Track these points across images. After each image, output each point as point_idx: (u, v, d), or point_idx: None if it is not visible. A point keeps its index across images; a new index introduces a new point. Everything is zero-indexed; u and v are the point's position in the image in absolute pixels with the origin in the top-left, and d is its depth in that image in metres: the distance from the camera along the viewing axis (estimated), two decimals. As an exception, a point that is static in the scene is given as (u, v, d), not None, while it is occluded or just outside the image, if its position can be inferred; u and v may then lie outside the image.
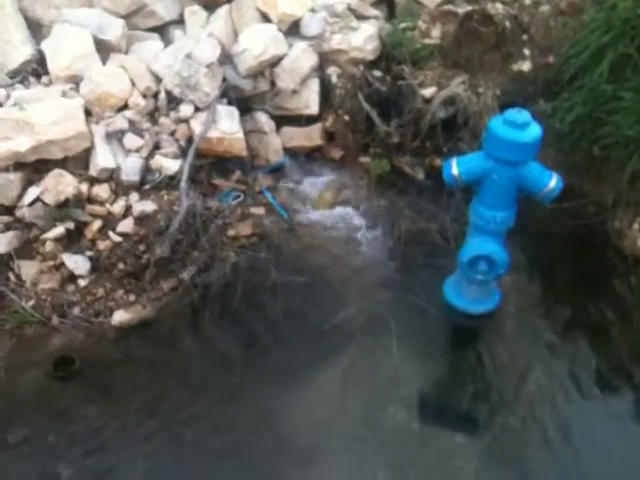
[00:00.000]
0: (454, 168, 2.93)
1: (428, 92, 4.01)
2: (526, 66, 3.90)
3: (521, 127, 2.74)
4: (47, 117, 3.54)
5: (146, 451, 2.85)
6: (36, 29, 4.16)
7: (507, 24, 3.83)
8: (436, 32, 4.06)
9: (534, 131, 2.76)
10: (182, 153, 3.77)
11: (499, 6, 3.88)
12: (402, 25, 4.19)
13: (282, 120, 4.18)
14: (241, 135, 3.85)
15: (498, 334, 3.31)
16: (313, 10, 4.18)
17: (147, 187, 3.67)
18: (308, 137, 4.18)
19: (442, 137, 4.02)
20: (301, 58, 4.07)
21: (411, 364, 3.16)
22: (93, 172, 3.59)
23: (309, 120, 4.18)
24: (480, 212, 3.02)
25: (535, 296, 3.47)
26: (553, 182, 2.84)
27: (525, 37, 3.91)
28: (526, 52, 3.90)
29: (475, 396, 3.08)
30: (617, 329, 3.27)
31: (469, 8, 3.92)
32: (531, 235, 3.61)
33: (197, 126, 3.81)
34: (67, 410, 3.03)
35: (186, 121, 3.85)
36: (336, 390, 3.07)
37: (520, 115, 2.75)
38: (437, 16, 4.08)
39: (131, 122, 3.75)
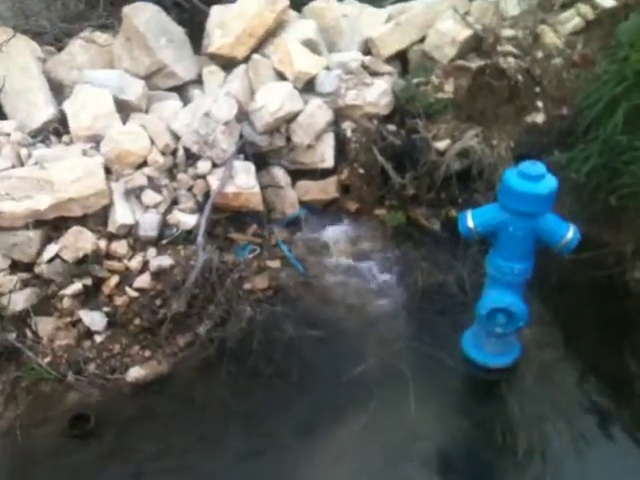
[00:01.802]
0: (469, 220, 2.92)
1: (442, 145, 4.05)
2: (540, 118, 3.93)
3: (536, 179, 2.74)
4: (67, 175, 3.62)
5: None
6: (58, 90, 4.31)
7: (519, 77, 3.89)
8: (449, 86, 4.12)
9: (549, 183, 2.76)
10: (199, 208, 3.82)
11: (511, 60, 3.93)
12: (415, 80, 4.26)
13: (298, 174, 4.23)
14: (257, 190, 3.90)
15: (519, 388, 3.22)
16: (328, 68, 4.27)
17: (164, 242, 3.71)
18: (324, 190, 4.22)
19: (457, 189, 4.04)
20: (316, 114, 4.14)
21: (429, 419, 3.08)
22: (112, 228, 3.64)
23: (325, 173, 4.22)
24: (497, 264, 2.99)
25: (556, 349, 3.40)
26: (570, 233, 2.81)
27: (538, 89, 3.95)
28: (539, 104, 3.94)
29: (495, 452, 2.99)
30: (641, 383, 3.19)
31: (481, 63, 3.99)
32: (551, 286, 3.55)
33: (214, 181, 3.86)
34: (82, 469, 2.98)
35: (203, 177, 3.91)
36: (355, 447, 2.99)
37: (535, 167, 2.75)
38: (450, 71, 4.15)
39: (150, 179, 3.82)
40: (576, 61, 3.96)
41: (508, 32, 4.09)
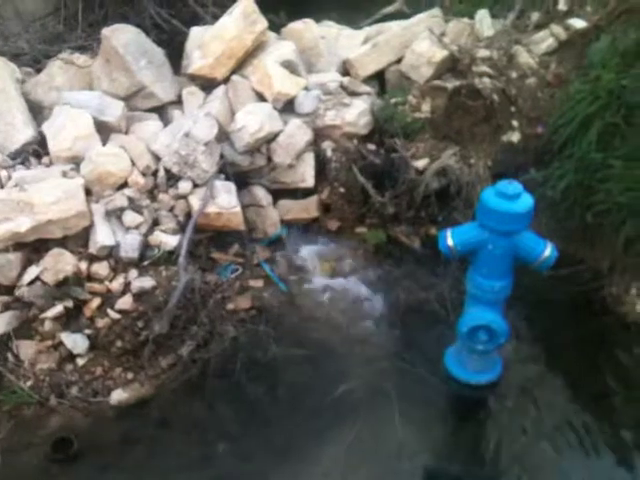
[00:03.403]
0: (449, 239, 2.97)
1: (421, 164, 4.11)
2: (515, 137, 4.01)
3: (513, 198, 2.80)
4: (47, 197, 3.58)
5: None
6: (37, 111, 4.30)
7: (495, 97, 3.96)
8: (426, 106, 4.19)
9: (526, 201, 2.82)
10: (181, 228, 3.81)
11: (486, 80, 4.01)
12: (393, 100, 4.33)
13: (279, 193, 4.25)
14: (239, 209, 3.91)
15: (501, 405, 3.26)
16: (307, 88, 4.32)
17: (146, 263, 3.69)
18: (305, 209, 4.25)
19: (436, 207, 4.10)
20: (296, 134, 4.17)
21: (414, 437, 3.09)
22: (92, 250, 3.62)
23: (305, 193, 4.26)
24: (477, 282, 3.04)
25: (536, 365, 3.43)
26: (548, 251, 2.87)
27: (513, 109, 4.03)
28: (515, 123, 4.02)
29: (478, 469, 3.01)
30: (620, 398, 3.24)
31: (457, 83, 4.06)
32: (529, 303, 3.59)
33: (196, 202, 3.87)
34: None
35: (185, 197, 3.91)
36: (340, 466, 3.00)
37: (511, 186, 2.81)
38: (426, 91, 4.22)
39: (131, 199, 3.81)
40: (550, 81, 4.05)
41: (483, 53, 4.17)
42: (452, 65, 4.29)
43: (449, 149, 4.07)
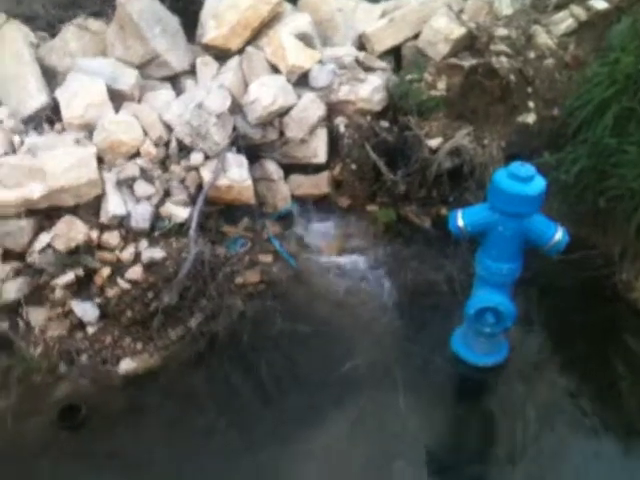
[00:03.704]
0: (459, 220, 2.96)
1: (434, 142, 4.07)
2: (531, 118, 3.96)
3: (525, 180, 2.78)
4: (60, 164, 3.60)
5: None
6: (51, 76, 4.27)
7: (512, 77, 3.91)
8: (442, 84, 4.14)
9: (538, 184, 2.80)
10: (192, 200, 3.82)
11: (503, 60, 3.96)
12: (408, 77, 4.28)
13: (290, 168, 4.24)
14: (250, 183, 3.91)
15: (506, 387, 3.29)
16: (321, 62, 4.27)
17: (156, 234, 3.71)
18: (316, 185, 4.24)
19: (448, 187, 4.08)
20: (309, 108, 4.14)
21: (417, 417, 3.13)
22: (104, 219, 3.64)
23: (317, 169, 4.25)
24: (486, 264, 3.04)
25: (544, 349, 3.46)
26: (558, 235, 2.86)
27: (530, 90, 3.98)
28: (531, 105, 3.97)
29: (482, 450, 3.05)
30: (628, 384, 3.25)
31: (474, 62, 4.01)
32: (539, 287, 3.61)
33: (207, 174, 3.87)
34: (71, 460, 3.02)
35: (196, 169, 3.91)
36: (342, 444, 3.04)
37: (524, 169, 2.79)
38: (443, 68, 4.17)
39: (142, 170, 3.81)
40: (568, 62, 3.99)
41: (501, 31, 4.11)
42: (469, 43, 4.24)
43: (463, 129, 4.03)
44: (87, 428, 3.13)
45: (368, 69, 4.41)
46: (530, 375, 3.32)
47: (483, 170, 3.98)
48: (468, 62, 4.04)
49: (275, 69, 4.27)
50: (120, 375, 3.35)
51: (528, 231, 2.88)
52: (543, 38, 4.05)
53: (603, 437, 3.04)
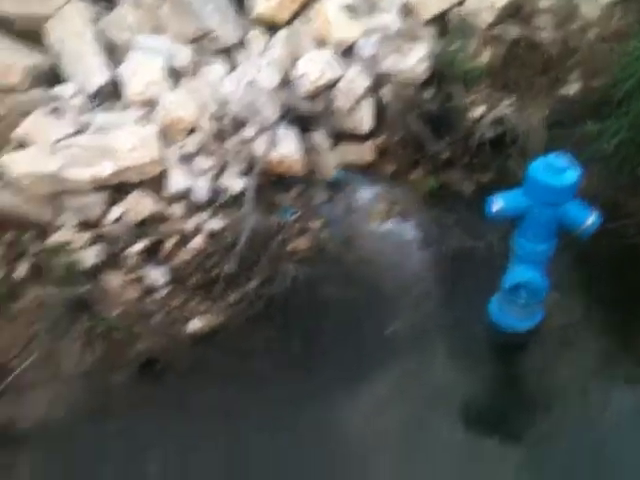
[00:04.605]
0: (495, 204, 3.15)
1: (477, 112, 4.21)
2: (573, 90, 4.05)
3: (560, 171, 2.94)
4: (124, 144, 3.91)
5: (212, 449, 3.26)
6: (111, 50, 4.52)
7: (554, 50, 3.98)
8: (486, 54, 4.23)
9: (572, 175, 2.95)
10: (246, 173, 4.11)
11: (546, 32, 4.01)
12: (453, 46, 4.37)
13: (338, 138, 4.45)
14: (299, 157, 4.15)
15: (541, 351, 3.53)
16: (367, 33, 4.40)
17: (215, 206, 4.03)
18: (362, 154, 4.45)
19: (490, 155, 4.23)
20: (356, 80, 4.31)
21: (456, 376, 3.45)
22: (168, 193, 3.97)
23: (363, 138, 4.44)
24: (521, 243, 3.25)
25: (578, 315, 3.65)
26: (591, 220, 3.01)
27: (572, 61, 4.04)
28: (573, 76, 4.04)
29: (517, 409, 3.35)
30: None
31: (517, 33, 4.07)
32: (575, 254, 3.75)
33: (259, 147, 4.12)
34: (150, 409, 3.45)
35: (249, 143, 4.17)
36: (385, 400, 3.39)
37: (559, 160, 2.95)
38: (487, 38, 4.24)
39: (200, 145, 4.10)
40: (612, 34, 4.02)
41: (545, 2, 4.13)
42: (514, 12, 4.27)
43: (506, 99, 4.15)
44: (163, 380, 3.55)
45: (413, 38, 4.50)
46: (565, 340, 3.54)
47: (525, 139, 4.12)
48: (511, 33, 4.10)
49: (322, 42, 4.42)
50: (188, 334, 3.72)
51: (562, 217, 3.05)
52: (587, 9, 4.07)
53: (634, 400, 3.25)
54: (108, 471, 3.21)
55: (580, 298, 3.76)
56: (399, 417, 3.34)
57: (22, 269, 3.77)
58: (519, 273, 3.30)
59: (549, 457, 3.12)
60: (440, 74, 4.37)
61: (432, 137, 4.29)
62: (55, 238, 3.85)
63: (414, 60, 4.36)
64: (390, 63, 4.37)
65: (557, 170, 2.93)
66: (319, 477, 3.19)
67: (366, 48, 4.36)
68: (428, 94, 4.37)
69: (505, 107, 4.13)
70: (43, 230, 3.90)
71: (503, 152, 4.22)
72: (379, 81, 4.40)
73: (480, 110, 4.20)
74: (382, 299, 3.84)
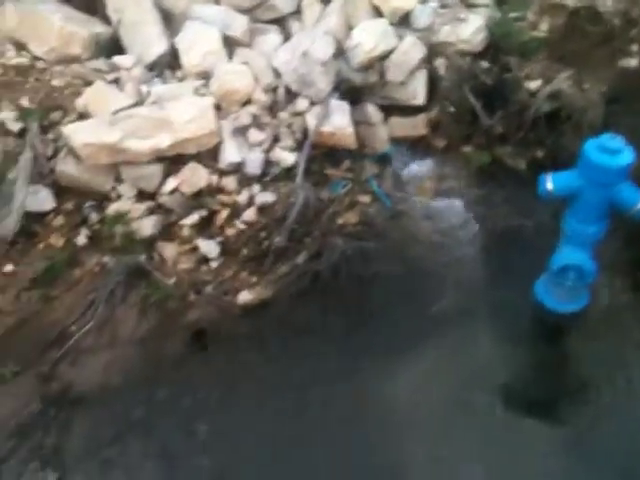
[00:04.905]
0: (549, 183, 3.14)
1: (533, 85, 4.12)
2: (634, 62, 3.90)
3: (614, 153, 2.90)
4: (183, 115, 3.99)
5: (260, 412, 3.39)
6: (168, 19, 4.59)
7: (616, 20, 3.83)
8: (545, 24, 4.12)
9: (626, 157, 2.91)
10: (298, 146, 4.15)
11: (608, 2, 3.85)
12: (511, 15, 4.25)
13: (390, 110, 4.43)
14: (351, 130, 4.17)
15: (586, 332, 3.54)
16: (423, 1, 4.32)
17: (267, 179, 4.11)
18: (414, 127, 4.42)
19: (545, 130, 4.14)
20: (410, 51, 4.27)
21: (499, 355, 3.49)
22: (222, 165, 4.06)
23: (415, 110, 4.42)
24: (572, 224, 3.23)
25: (625, 298, 3.63)
26: (642, 203, 2.99)
27: (634, 33, 3.88)
28: (634, 48, 3.89)
29: (559, 387, 3.39)
30: None
31: (577, 2, 3.93)
32: (624, 236, 3.70)
33: (312, 120, 4.15)
34: (201, 376, 3.59)
35: (302, 115, 4.20)
36: (429, 375, 3.47)
37: (614, 141, 2.90)
38: (546, 8, 4.12)
39: (254, 117, 4.16)
40: (679, 4, 3.84)
41: (610, -30, 3.96)
42: (576, -20, 4.12)
43: (564, 72, 4.04)
44: (212, 350, 3.70)
45: (470, 6, 4.41)
46: (610, 322, 3.53)
47: (581, 114, 4.02)
48: (571, 3, 3.96)
49: (377, 10, 4.37)
50: (239, 305, 3.84)
51: (614, 199, 3.03)
52: (654, -23, 3.89)
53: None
54: (159, 432, 3.36)
55: (629, 282, 3.71)
56: (441, 391, 3.41)
57: (82, 237, 3.94)
58: (568, 255, 3.28)
59: (590, 440, 3.14)
60: (496, 45, 4.28)
61: (486, 111, 4.22)
62: (114, 207, 4.00)
63: (470, 30, 4.28)
64: (445, 34, 4.30)
65: (611, 151, 2.89)
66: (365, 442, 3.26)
67: (422, 18, 4.30)
68: (483, 66, 4.28)
69: (562, 80, 4.02)
70: (103, 199, 4.05)
71: (558, 128, 4.13)
72: (434, 52, 4.35)
73: (536, 83, 4.11)
74: (428, 276, 3.87)
